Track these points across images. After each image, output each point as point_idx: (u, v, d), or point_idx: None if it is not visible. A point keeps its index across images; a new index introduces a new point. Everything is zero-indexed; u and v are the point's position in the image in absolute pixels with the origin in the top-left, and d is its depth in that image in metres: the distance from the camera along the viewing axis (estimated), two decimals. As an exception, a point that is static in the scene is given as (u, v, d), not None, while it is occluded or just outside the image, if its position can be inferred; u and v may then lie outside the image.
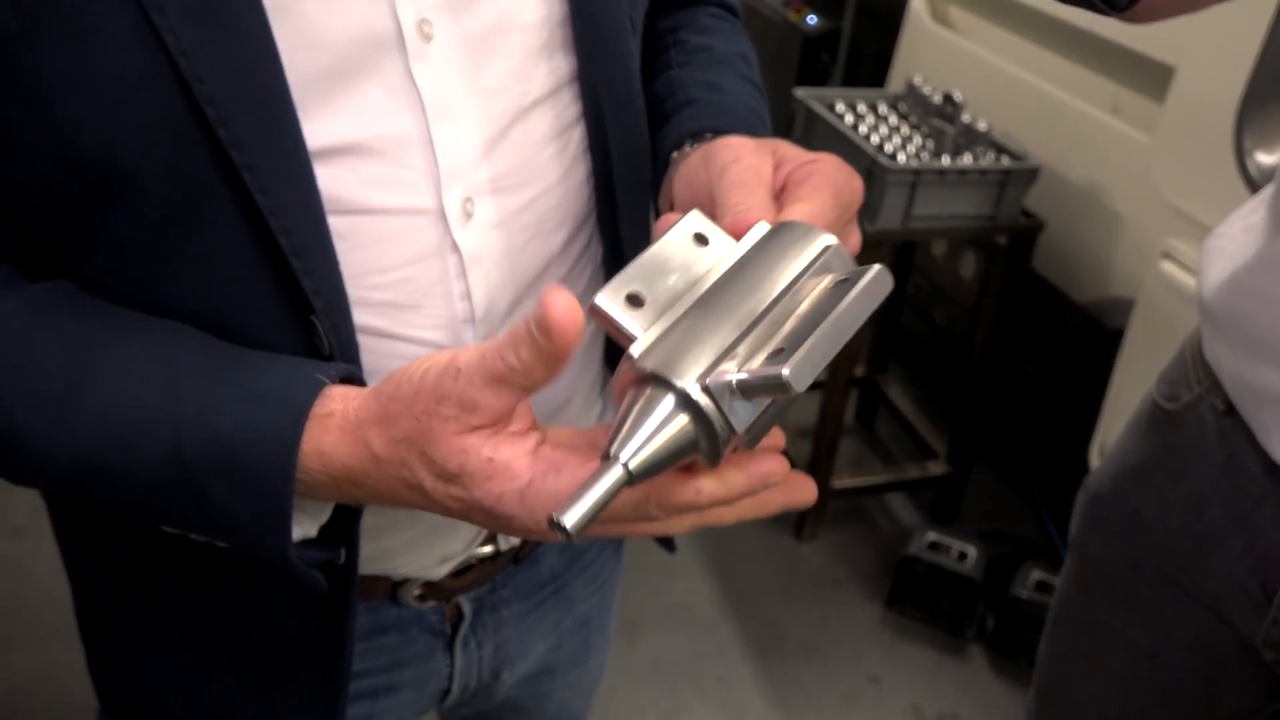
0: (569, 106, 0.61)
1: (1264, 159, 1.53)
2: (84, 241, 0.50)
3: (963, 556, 2.05)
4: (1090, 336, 2.00)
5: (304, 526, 0.51)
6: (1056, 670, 1.05)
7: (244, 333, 0.51)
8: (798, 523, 2.29)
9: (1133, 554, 0.93)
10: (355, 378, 0.50)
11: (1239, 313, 0.80)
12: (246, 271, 0.50)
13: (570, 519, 0.39)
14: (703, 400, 0.41)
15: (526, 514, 0.44)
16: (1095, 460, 1.70)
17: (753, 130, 0.62)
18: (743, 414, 0.42)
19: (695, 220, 0.48)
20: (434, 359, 0.45)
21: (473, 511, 0.46)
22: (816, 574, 2.22)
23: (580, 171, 0.63)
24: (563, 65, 0.59)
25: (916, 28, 2.56)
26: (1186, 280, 1.51)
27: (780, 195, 0.52)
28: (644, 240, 0.67)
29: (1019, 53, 2.28)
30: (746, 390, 0.41)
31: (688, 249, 0.47)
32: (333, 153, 0.50)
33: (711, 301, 0.44)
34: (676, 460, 0.42)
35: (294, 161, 0.47)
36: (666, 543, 0.89)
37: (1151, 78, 1.85)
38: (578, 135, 0.62)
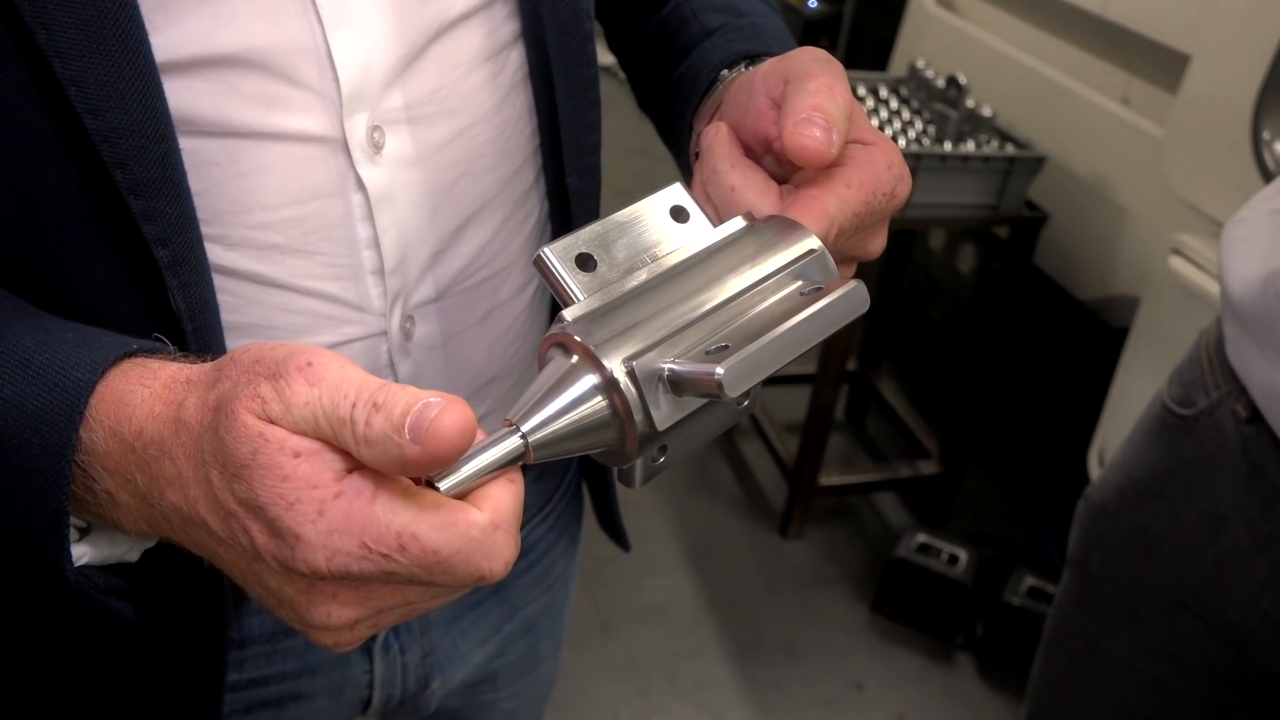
0: (503, 24, 0.53)
1: (1283, 151, 1.46)
2: None
3: (953, 560, 1.98)
4: (1092, 335, 1.94)
5: (112, 545, 0.41)
6: (1052, 694, 0.98)
7: (78, 294, 0.43)
8: (783, 520, 2.22)
9: (1140, 575, 0.85)
10: (161, 351, 0.41)
11: (1273, 311, 0.72)
12: (77, 216, 0.42)
13: (446, 482, 0.35)
14: (624, 383, 0.37)
15: (319, 536, 0.33)
16: (1094, 465, 1.65)
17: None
18: (667, 411, 0.38)
19: (676, 193, 0.46)
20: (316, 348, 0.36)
21: (250, 525, 0.35)
22: (801, 574, 2.15)
23: (518, 103, 0.55)
24: None
25: (920, 12, 2.49)
26: (1196, 277, 1.45)
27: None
28: (593, 190, 0.61)
29: (1025, 38, 2.21)
30: (676, 383, 0.38)
31: (662, 221, 0.44)
32: (202, 63, 0.43)
33: (666, 284, 0.42)
34: (583, 445, 0.38)
35: (133, 75, 0.39)
36: (619, 539, 0.81)
37: (1164, 66, 1.78)
38: (514, 59, 0.54)
